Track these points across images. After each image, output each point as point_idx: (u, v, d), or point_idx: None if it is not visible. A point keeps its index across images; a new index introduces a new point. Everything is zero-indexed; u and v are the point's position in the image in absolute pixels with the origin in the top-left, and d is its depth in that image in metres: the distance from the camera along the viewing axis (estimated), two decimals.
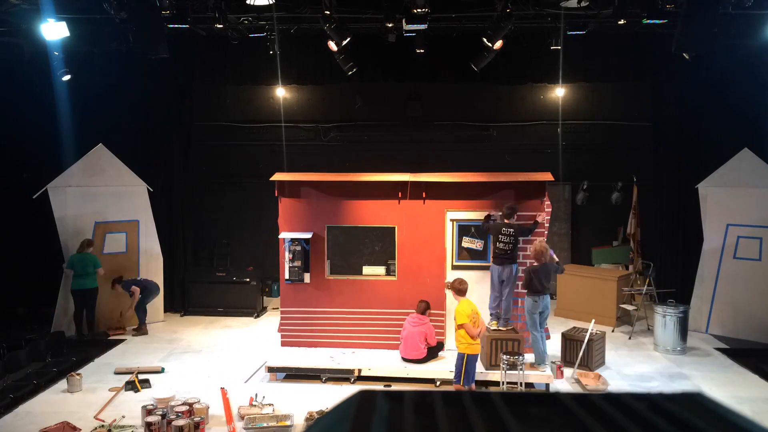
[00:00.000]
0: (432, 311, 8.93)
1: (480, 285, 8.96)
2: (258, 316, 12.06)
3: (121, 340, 10.51)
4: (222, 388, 8.07)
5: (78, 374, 8.37)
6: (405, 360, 8.57)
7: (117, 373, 8.76)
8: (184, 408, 7.11)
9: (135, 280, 10.98)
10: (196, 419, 6.87)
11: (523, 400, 0.89)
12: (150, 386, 8.32)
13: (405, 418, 0.84)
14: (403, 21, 8.74)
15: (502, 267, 8.43)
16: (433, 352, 8.64)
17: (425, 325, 8.54)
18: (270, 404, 7.50)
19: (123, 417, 7.33)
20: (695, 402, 0.86)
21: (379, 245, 9.21)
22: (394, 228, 9.06)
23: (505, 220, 8.42)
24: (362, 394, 0.91)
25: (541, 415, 0.85)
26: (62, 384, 8.41)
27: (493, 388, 7.87)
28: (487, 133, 13.41)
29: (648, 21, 9.19)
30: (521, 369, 7.78)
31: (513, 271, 8.47)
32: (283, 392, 8.09)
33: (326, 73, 11.30)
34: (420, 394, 0.91)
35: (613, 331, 10.80)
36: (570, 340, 9.10)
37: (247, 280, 12.06)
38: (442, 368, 8.43)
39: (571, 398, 0.88)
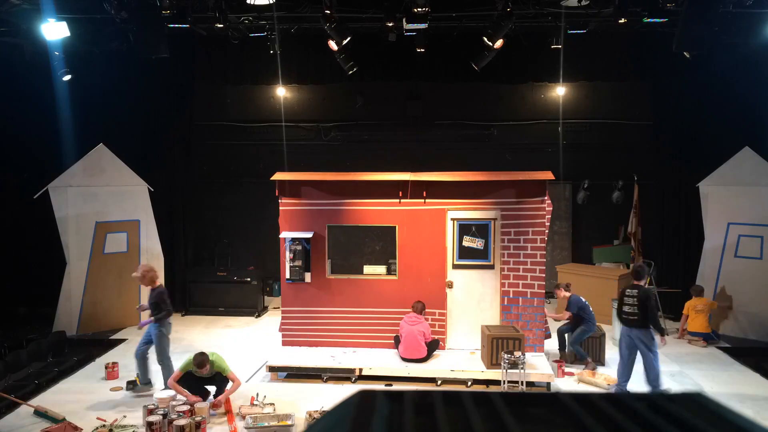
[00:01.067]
0: (434, 310, 8.95)
1: (481, 284, 8.97)
2: (259, 316, 12.07)
3: (122, 340, 10.51)
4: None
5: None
6: (405, 360, 8.56)
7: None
8: (186, 407, 7.11)
9: None
10: (198, 419, 6.88)
11: (523, 400, 0.89)
12: (152, 386, 8.32)
13: (405, 417, 0.84)
14: (404, 20, 8.74)
15: (630, 330, 7.74)
16: (431, 350, 8.64)
17: (422, 323, 8.55)
18: (271, 404, 7.50)
19: (124, 417, 7.34)
20: (695, 402, 0.86)
21: (379, 244, 9.21)
22: (395, 227, 9.06)
23: (633, 282, 7.90)
24: (362, 394, 0.91)
25: (541, 415, 0.85)
26: (64, 383, 8.43)
27: (493, 388, 7.88)
28: (488, 132, 13.41)
29: (648, 20, 9.20)
30: (522, 368, 7.78)
31: (649, 335, 7.68)
32: (284, 392, 8.09)
33: (327, 73, 11.30)
34: (420, 394, 0.91)
35: None
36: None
37: (248, 279, 12.07)
38: (444, 367, 8.43)
39: (571, 398, 0.88)
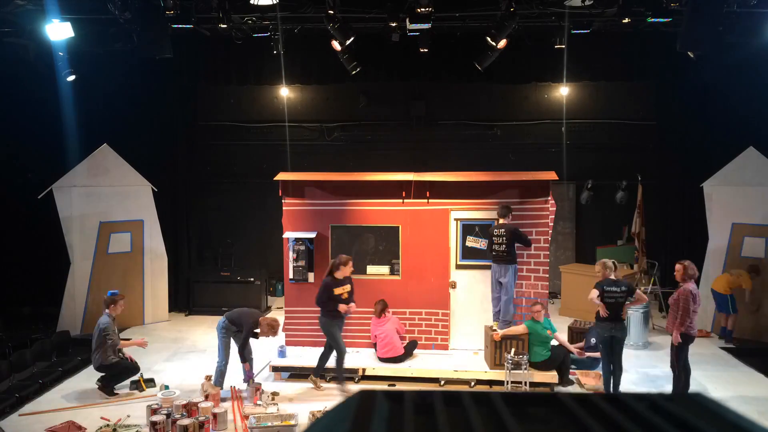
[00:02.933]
0: (437, 310, 8.96)
1: (485, 284, 8.95)
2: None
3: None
4: (232, 387, 8.12)
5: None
6: (382, 360, 8.57)
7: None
8: (189, 407, 7.14)
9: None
10: (201, 418, 6.89)
11: (523, 401, 0.89)
12: (155, 386, 8.34)
13: (405, 418, 0.84)
14: (407, 20, 8.73)
15: (498, 267, 8.33)
16: (410, 350, 8.66)
17: (391, 321, 8.61)
18: (275, 403, 7.51)
19: (128, 416, 7.36)
20: (695, 402, 0.86)
21: (383, 245, 9.21)
22: (398, 227, 9.06)
23: (500, 220, 8.33)
24: (362, 394, 0.91)
25: (541, 416, 0.85)
26: (68, 383, 8.46)
27: (496, 388, 7.88)
28: (491, 133, 13.40)
29: (652, 20, 9.17)
30: (525, 368, 7.77)
31: (510, 271, 8.27)
32: (288, 391, 8.09)
33: (330, 73, 11.30)
34: (420, 394, 0.91)
35: None
36: (578, 333, 9.18)
37: (252, 279, 12.08)
38: (447, 368, 8.42)
39: (571, 398, 0.88)
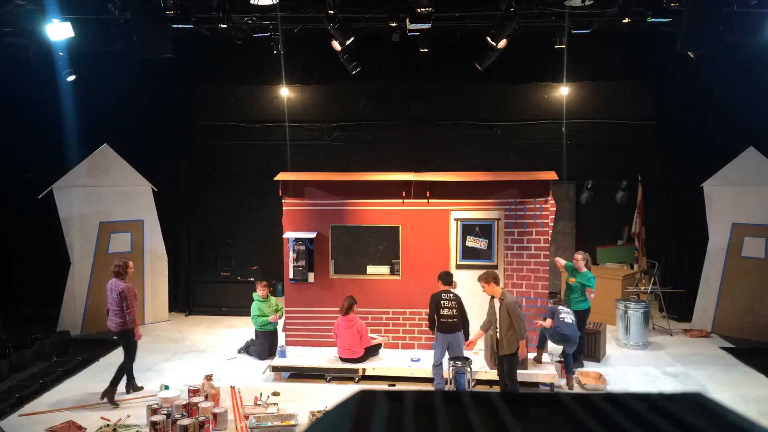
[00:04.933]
0: None
1: None
2: None
3: None
4: (232, 387, 8.12)
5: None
6: (343, 360, 8.53)
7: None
8: (189, 407, 7.13)
9: None
10: (201, 418, 6.89)
11: (523, 400, 0.89)
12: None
13: (405, 418, 0.84)
14: (407, 20, 8.73)
15: (451, 335, 7.90)
16: (372, 350, 8.63)
17: (355, 325, 8.49)
18: (274, 403, 7.51)
19: (128, 416, 7.36)
20: (695, 402, 0.86)
21: (383, 245, 9.21)
22: (398, 227, 9.06)
23: (443, 287, 7.99)
24: (362, 394, 0.91)
25: (541, 415, 0.85)
26: (68, 383, 8.46)
27: (496, 388, 7.88)
28: (491, 133, 13.40)
29: (652, 20, 9.17)
30: (525, 368, 7.77)
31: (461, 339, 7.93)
32: (288, 391, 8.10)
33: (330, 73, 11.30)
34: (420, 394, 0.91)
35: None
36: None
37: (252, 279, 12.06)
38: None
39: (571, 398, 0.88)
